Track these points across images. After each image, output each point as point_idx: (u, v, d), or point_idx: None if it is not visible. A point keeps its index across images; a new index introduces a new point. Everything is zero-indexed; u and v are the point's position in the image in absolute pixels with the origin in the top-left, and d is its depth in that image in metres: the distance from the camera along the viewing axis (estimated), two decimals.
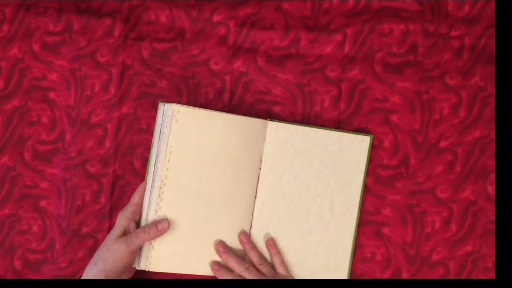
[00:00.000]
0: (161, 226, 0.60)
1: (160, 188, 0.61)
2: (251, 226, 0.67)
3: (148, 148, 0.71)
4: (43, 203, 0.72)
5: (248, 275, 0.62)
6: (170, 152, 0.61)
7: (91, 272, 0.61)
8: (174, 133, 0.61)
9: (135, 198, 0.63)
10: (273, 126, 0.67)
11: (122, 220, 0.62)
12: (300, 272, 0.67)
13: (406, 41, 0.69)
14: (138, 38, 0.72)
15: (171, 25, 0.72)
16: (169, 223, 0.60)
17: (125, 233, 0.62)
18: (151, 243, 0.61)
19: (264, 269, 0.64)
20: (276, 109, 0.71)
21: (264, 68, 0.71)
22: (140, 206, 0.63)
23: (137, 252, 0.61)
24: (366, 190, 0.69)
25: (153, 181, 0.61)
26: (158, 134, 0.62)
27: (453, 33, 0.69)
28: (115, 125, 0.72)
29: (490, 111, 0.69)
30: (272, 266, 0.65)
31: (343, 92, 0.70)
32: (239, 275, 0.63)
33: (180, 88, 0.72)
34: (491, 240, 0.68)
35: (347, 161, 0.67)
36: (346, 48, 0.70)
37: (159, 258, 0.62)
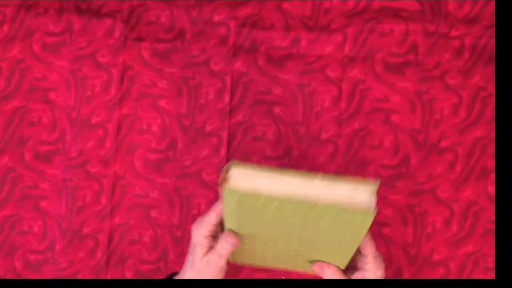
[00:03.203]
0: (230, 241, 0.55)
1: None
2: None
3: (148, 148, 0.71)
4: (43, 203, 0.72)
5: None
6: None
7: None
8: None
9: (212, 219, 0.56)
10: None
11: (201, 240, 0.56)
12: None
13: (407, 41, 0.69)
14: (139, 38, 0.72)
15: (171, 25, 0.72)
16: (235, 236, 0.55)
17: (208, 251, 0.57)
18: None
19: None
20: (277, 109, 0.71)
21: (264, 68, 0.71)
22: (217, 226, 0.56)
23: (224, 267, 0.57)
24: None
25: None
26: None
27: (453, 33, 0.69)
28: (115, 125, 0.72)
29: (490, 111, 0.69)
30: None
31: (343, 92, 0.70)
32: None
33: (181, 88, 0.72)
34: (492, 240, 0.68)
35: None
36: (347, 48, 0.70)
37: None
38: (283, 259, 0.61)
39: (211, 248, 0.56)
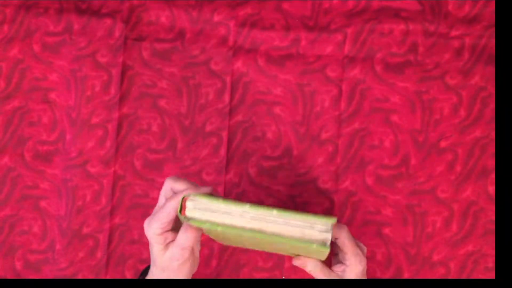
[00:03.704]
0: (189, 234, 0.52)
1: None
2: None
3: (148, 148, 0.71)
4: (43, 203, 0.72)
5: None
6: None
7: None
8: None
9: (165, 217, 0.52)
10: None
11: (155, 238, 0.53)
12: None
13: (406, 41, 0.69)
14: (139, 38, 0.72)
15: (172, 25, 0.72)
16: (193, 228, 0.52)
17: (166, 246, 0.54)
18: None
19: None
20: (277, 109, 0.71)
21: (264, 68, 0.71)
22: (169, 223, 0.53)
23: (190, 257, 0.54)
24: (367, 190, 0.69)
25: None
26: None
27: (453, 33, 0.69)
28: (115, 125, 0.72)
29: (490, 111, 0.69)
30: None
31: (343, 92, 0.70)
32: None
33: (181, 89, 0.72)
34: (492, 240, 0.68)
35: None
36: (346, 48, 0.70)
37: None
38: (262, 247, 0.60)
39: (169, 242, 0.53)
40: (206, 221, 0.48)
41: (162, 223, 0.52)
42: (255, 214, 0.48)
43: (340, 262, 0.59)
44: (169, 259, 0.53)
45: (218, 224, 0.48)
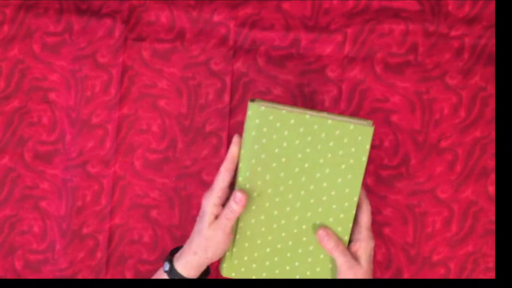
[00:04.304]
0: (238, 198, 0.59)
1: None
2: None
3: (148, 148, 0.71)
4: (43, 203, 0.72)
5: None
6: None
7: (194, 261, 0.60)
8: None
9: (220, 183, 0.60)
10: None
11: (210, 207, 0.60)
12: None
13: (406, 41, 0.70)
14: (139, 38, 0.72)
15: (172, 25, 0.72)
16: (244, 193, 0.59)
17: (215, 219, 0.60)
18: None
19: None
20: None
21: (264, 68, 0.71)
22: (225, 191, 0.60)
23: (232, 233, 0.60)
24: (367, 190, 0.69)
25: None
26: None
27: (453, 33, 0.69)
28: (115, 125, 0.72)
29: (490, 111, 0.69)
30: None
31: (343, 92, 0.70)
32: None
33: (181, 88, 0.72)
34: (492, 240, 0.68)
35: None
36: (347, 48, 0.70)
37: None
38: (286, 246, 0.62)
39: (218, 215, 0.59)
40: (271, 107, 0.58)
41: (220, 189, 0.59)
42: (310, 112, 0.58)
43: (351, 241, 0.61)
44: (216, 228, 0.59)
45: (282, 109, 0.58)
